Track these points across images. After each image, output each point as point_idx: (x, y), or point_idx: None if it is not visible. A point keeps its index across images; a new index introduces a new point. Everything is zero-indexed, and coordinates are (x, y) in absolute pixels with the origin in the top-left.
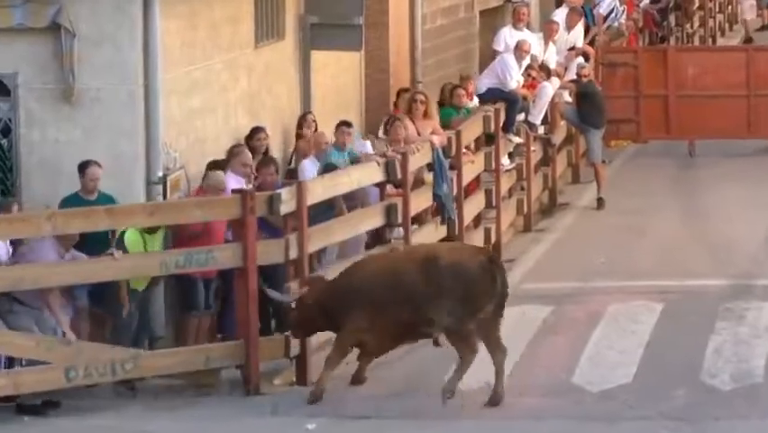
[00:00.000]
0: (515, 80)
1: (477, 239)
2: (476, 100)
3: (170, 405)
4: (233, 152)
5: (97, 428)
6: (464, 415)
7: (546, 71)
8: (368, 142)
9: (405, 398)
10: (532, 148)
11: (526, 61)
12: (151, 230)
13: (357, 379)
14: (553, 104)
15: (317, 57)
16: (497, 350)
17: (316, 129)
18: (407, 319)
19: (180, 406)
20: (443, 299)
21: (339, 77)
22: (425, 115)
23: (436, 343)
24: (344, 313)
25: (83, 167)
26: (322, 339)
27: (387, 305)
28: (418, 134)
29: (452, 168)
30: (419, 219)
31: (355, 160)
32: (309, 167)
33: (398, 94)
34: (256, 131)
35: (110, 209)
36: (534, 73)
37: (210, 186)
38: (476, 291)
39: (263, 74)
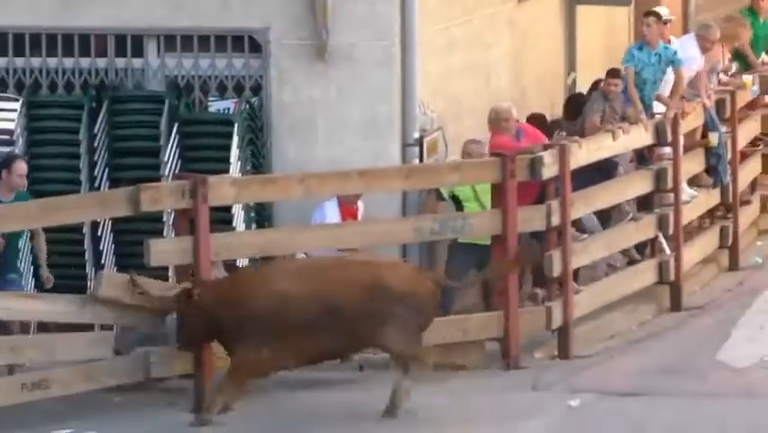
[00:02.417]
0: None
1: (752, 207)
2: None
3: (425, 378)
4: None
5: (347, 403)
6: (737, 393)
7: None
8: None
9: (675, 374)
10: None
11: None
12: None
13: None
14: None
15: (584, 13)
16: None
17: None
18: (333, 349)
19: (436, 379)
20: (390, 326)
21: (608, 35)
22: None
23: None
24: (242, 337)
25: (8, 162)
26: (584, 310)
27: (311, 335)
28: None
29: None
30: (691, 184)
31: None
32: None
33: None
34: (610, 74)
35: (364, 172)
36: None
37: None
38: (427, 318)
39: (526, 31)
